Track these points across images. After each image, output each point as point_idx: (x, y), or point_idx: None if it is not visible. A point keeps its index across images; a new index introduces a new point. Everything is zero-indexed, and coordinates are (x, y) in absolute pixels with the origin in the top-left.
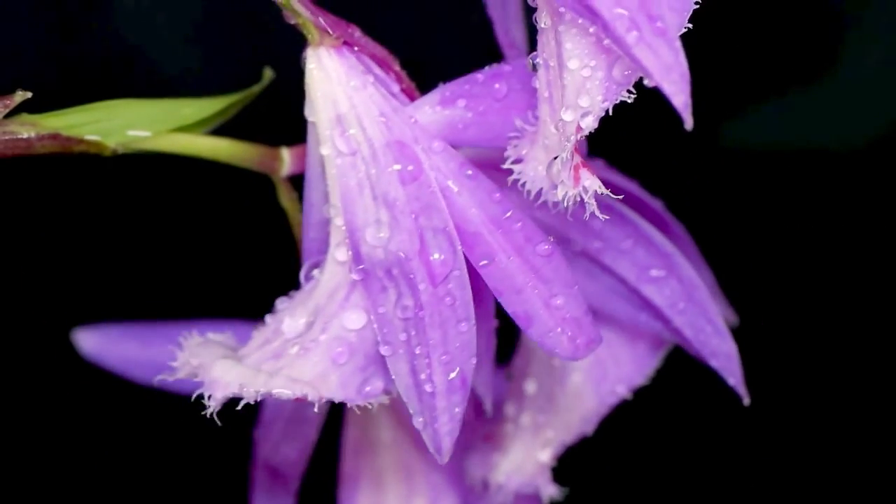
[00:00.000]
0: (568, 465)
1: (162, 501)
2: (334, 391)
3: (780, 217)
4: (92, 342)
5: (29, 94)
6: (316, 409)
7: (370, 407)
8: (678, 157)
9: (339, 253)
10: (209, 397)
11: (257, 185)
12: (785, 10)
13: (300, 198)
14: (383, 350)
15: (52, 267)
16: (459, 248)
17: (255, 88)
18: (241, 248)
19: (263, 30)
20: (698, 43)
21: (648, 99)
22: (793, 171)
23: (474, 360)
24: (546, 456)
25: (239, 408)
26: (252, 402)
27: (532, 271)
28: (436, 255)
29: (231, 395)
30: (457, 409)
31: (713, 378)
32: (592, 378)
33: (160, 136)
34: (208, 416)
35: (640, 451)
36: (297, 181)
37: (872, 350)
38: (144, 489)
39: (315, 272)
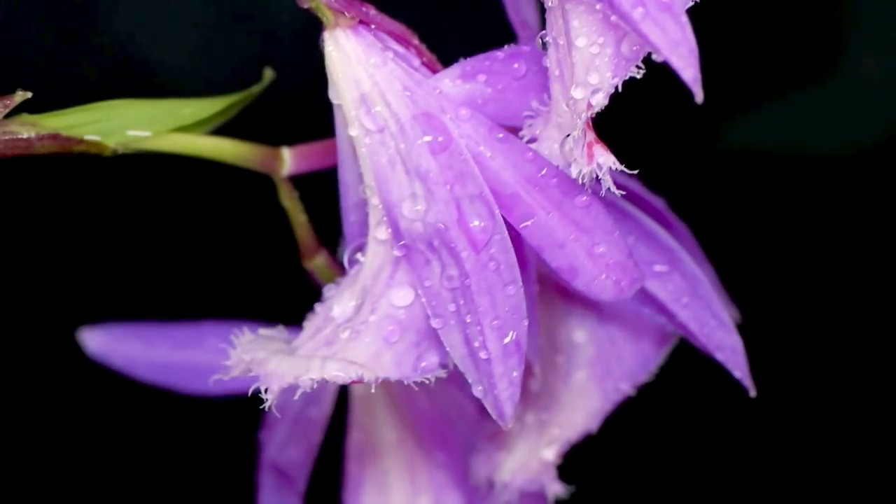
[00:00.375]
0: (573, 463)
1: (167, 502)
2: (390, 370)
3: (780, 218)
4: (97, 342)
5: (29, 94)
6: (373, 390)
7: (427, 381)
8: (679, 158)
9: (379, 232)
10: (266, 391)
11: (258, 185)
12: (787, 11)
13: (301, 197)
14: (434, 323)
15: (55, 267)
16: (497, 211)
17: (255, 88)
18: (242, 249)
19: (263, 30)
20: (700, 43)
21: (649, 100)
22: (794, 173)
23: (526, 322)
24: (551, 454)
25: (296, 398)
26: (309, 391)
27: (573, 224)
28: (475, 222)
29: (287, 386)
30: (514, 373)
31: (718, 374)
32: (596, 375)
33: (160, 136)
34: (266, 409)
35: (645, 448)
36: (298, 181)
37: (874, 346)
38: (150, 489)
39: (359, 255)
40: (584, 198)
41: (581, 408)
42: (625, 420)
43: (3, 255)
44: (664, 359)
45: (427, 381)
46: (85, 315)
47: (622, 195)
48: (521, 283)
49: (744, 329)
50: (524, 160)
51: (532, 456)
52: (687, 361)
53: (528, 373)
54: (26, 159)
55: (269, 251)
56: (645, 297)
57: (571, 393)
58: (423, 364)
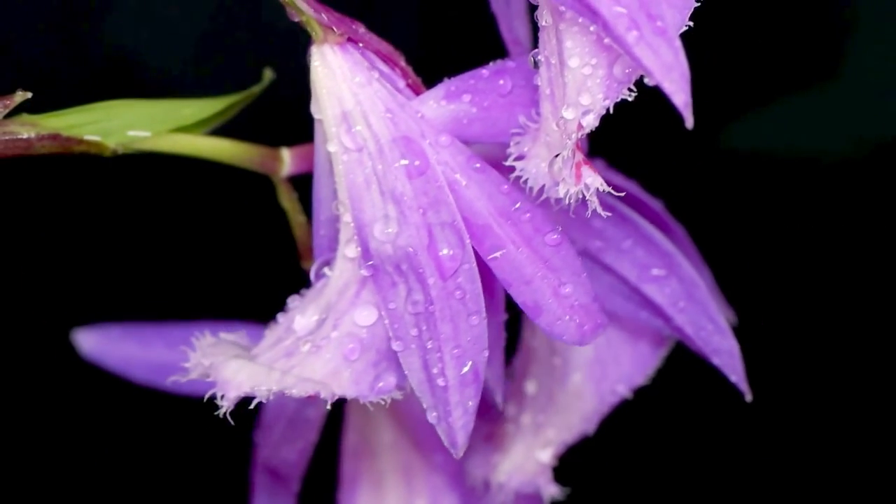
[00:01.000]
0: (569, 465)
1: (162, 502)
2: (346, 388)
3: (779, 221)
4: (92, 342)
5: (29, 95)
6: (328, 407)
7: (382, 402)
8: (678, 160)
9: (348, 250)
10: (222, 398)
11: (257, 185)
12: (788, 13)
13: (300, 198)
14: (395, 345)
15: (53, 267)
16: (468, 241)
17: (255, 88)
18: (242, 249)
19: (263, 30)
20: (700, 45)
21: (649, 102)
22: (792, 175)
23: (486, 353)
24: (547, 455)
25: (251, 407)
26: (264, 402)
27: (541, 261)
28: (445, 250)
29: (243, 395)
30: (470, 403)
31: (714, 377)
32: (593, 377)
33: (160, 136)
34: (221, 416)
35: (641, 451)
36: (297, 181)
37: (873, 349)
38: (144, 490)
39: (326, 269)
40: (555, 236)
41: (577, 410)
42: (621, 423)
43: (1, 255)
44: (661, 362)
45: (383, 402)
46: (82, 315)
47: (621, 197)
48: (484, 314)
49: (741, 332)
50: (499, 192)
51: (528, 458)
52: (684, 363)
53: (510, 386)
54: (26, 159)
55: (269, 251)
56: (642, 300)
57: (568, 395)
58: (381, 384)
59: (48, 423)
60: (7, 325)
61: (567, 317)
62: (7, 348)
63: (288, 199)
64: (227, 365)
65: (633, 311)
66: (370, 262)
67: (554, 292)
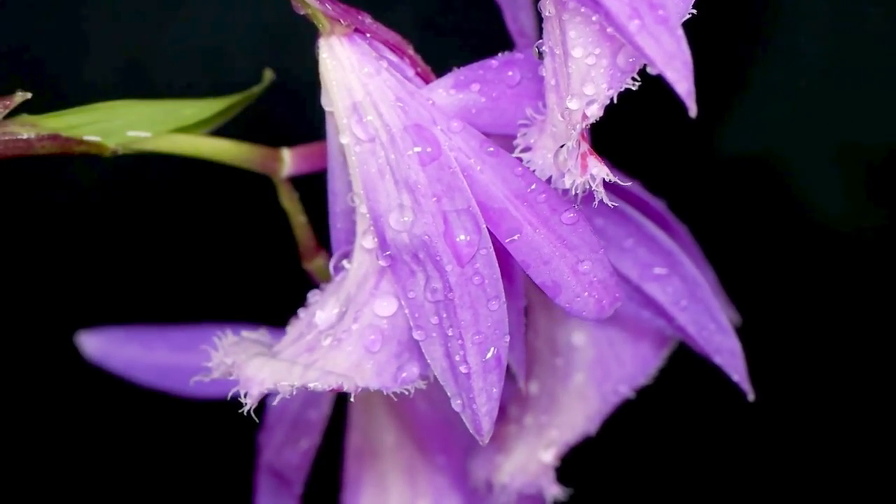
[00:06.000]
0: (571, 465)
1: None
2: (370, 379)
3: (780, 221)
4: (95, 345)
5: (29, 95)
6: (352, 399)
7: (406, 393)
8: (680, 159)
9: (366, 241)
10: (245, 395)
11: (258, 185)
12: (785, 13)
13: (301, 198)
14: (416, 335)
15: (55, 269)
16: (484, 226)
17: (255, 89)
18: (242, 250)
19: (264, 30)
20: (700, 44)
21: (650, 101)
22: (793, 175)
23: (508, 339)
24: (549, 456)
25: (275, 403)
26: (289, 397)
27: (559, 240)
28: (461, 236)
29: (267, 392)
30: (494, 389)
31: (717, 376)
32: (595, 378)
33: (160, 136)
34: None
35: (643, 451)
36: (298, 182)
37: (873, 348)
38: (147, 492)
39: (344, 262)
40: (572, 214)
41: (580, 410)
42: (623, 423)
43: (1, 257)
44: (663, 362)
45: (406, 392)
46: (83, 317)
47: (623, 196)
48: (504, 299)
49: (743, 332)
50: (513, 175)
51: (531, 458)
52: (686, 363)
53: (513, 386)
54: (26, 159)
55: (269, 252)
56: (644, 299)
57: (570, 395)
58: (404, 375)
59: (51, 425)
60: (9, 328)
61: (586, 293)
62: (9, 350)
63: (288, 200)
64: (250, 363)
65: (634, 310)
66: (387, 253)
67: (572, 270)
